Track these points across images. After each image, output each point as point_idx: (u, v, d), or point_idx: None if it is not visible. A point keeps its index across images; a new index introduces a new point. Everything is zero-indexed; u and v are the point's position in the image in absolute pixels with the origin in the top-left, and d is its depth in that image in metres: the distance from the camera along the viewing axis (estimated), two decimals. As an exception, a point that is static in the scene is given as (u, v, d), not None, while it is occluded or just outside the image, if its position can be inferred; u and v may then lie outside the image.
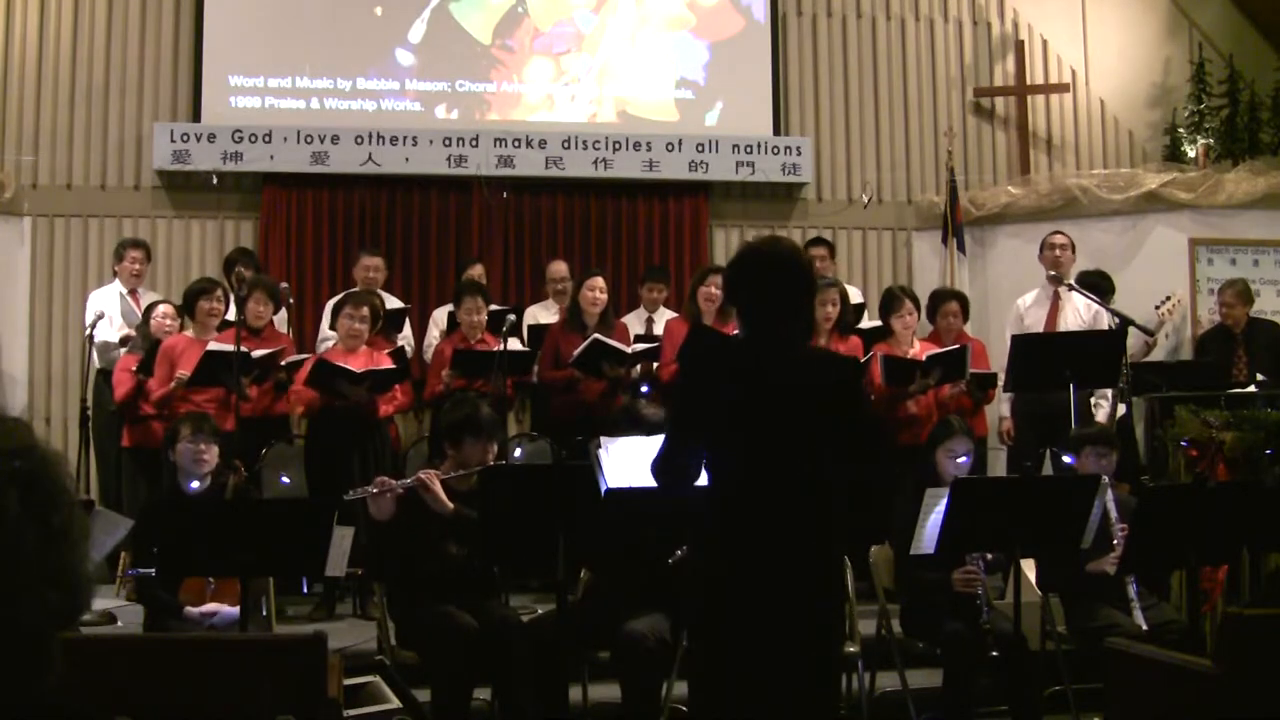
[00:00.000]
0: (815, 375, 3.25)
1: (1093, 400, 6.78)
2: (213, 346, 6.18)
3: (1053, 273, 7.01)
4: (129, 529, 4.29)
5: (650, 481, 3.28)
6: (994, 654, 4.47)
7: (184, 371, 6.14)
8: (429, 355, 7.29)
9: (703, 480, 3.23)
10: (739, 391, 3.17)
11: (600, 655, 4.58)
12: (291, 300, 7.38)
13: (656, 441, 3.34)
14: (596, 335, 6.58)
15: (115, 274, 7.43)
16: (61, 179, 8.41)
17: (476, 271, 7.64)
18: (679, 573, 4.01)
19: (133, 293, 7.30)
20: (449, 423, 4.70)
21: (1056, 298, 7.09)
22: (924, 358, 6.46)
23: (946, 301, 6.98)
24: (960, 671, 4.50)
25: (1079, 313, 7.03)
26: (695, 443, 3.20)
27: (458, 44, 8.81)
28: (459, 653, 4.27)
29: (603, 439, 4.03)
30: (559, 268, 7.73)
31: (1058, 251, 7.14)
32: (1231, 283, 7.53)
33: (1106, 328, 6.89)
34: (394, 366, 6.30)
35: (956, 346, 6.57)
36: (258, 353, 6.28)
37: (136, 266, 7.33)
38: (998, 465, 7.39)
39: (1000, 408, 6.95)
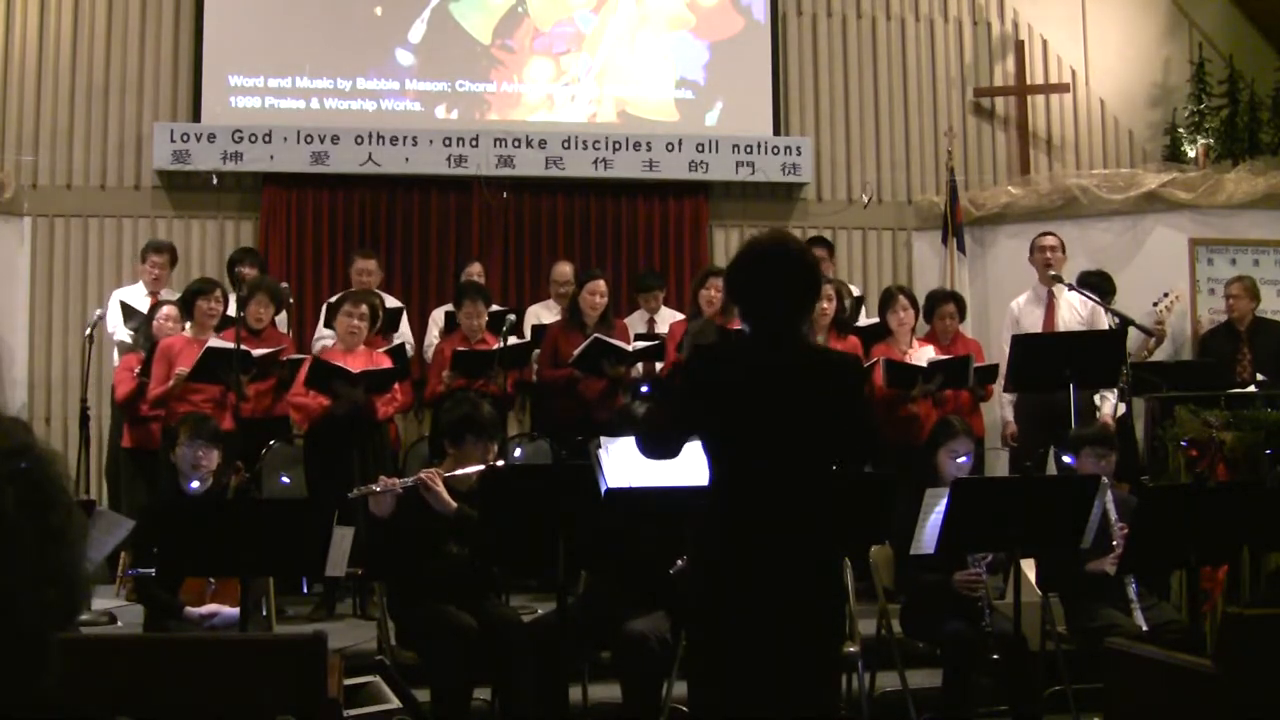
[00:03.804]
0: (816, 372, 3.24)
1: (1096, 397, 6.77)
2: (213, 343, 6.19)
3: (1053, 272, 7.00)
4: (129, 529, 4.29)
5: (648, 482, 3.29)
6: (994, 656, 4.46)
7: (183, 368, 6.14)
8: (429, 355, 7.29)
9: (703, 478, 3.24)
10: (738, 388, 3.17)
11: (600, 655, 4.58)
12: (291, 300, 7.38)
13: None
14: (597, 334, 6.57)
15: (140, 276, 7.46)
16: (61, 179, 8.40)
17: (475, 270, 7.63)
18: (679, 584, 4.02)
19: (154, 295, 7.30)
20: (450, 421, 4.70)
21: (1051, 297, 7.08)
22: (926, 363, 6.46)
23: (943, 303, 6.99)
24: (960, 671, 4.50)
25: (1075, 311, 7.03)
26: (686, 432, 3.21)
27: (458, 44, 8.81)
28: (458, 652, 4.27)
29: (603, 439, 4.03)
30: (564, 269, 7.69)
31: (1048, 253, 7.11)
32: (1239, 277, 7.54)
33: (1105, 326, 6.90)
34: (392, 366, 6.30)
35: (959, 355, 6.56)
36: (258, 351, 6.28)
37: (157, 271, 7.33)
38: (998, 465, 7.39)
39: (1004, 411, 6.93)
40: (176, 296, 7.33)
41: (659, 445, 3.26)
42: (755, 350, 3.22)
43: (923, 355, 6.66)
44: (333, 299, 7.16)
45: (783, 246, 3.27)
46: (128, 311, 7.06)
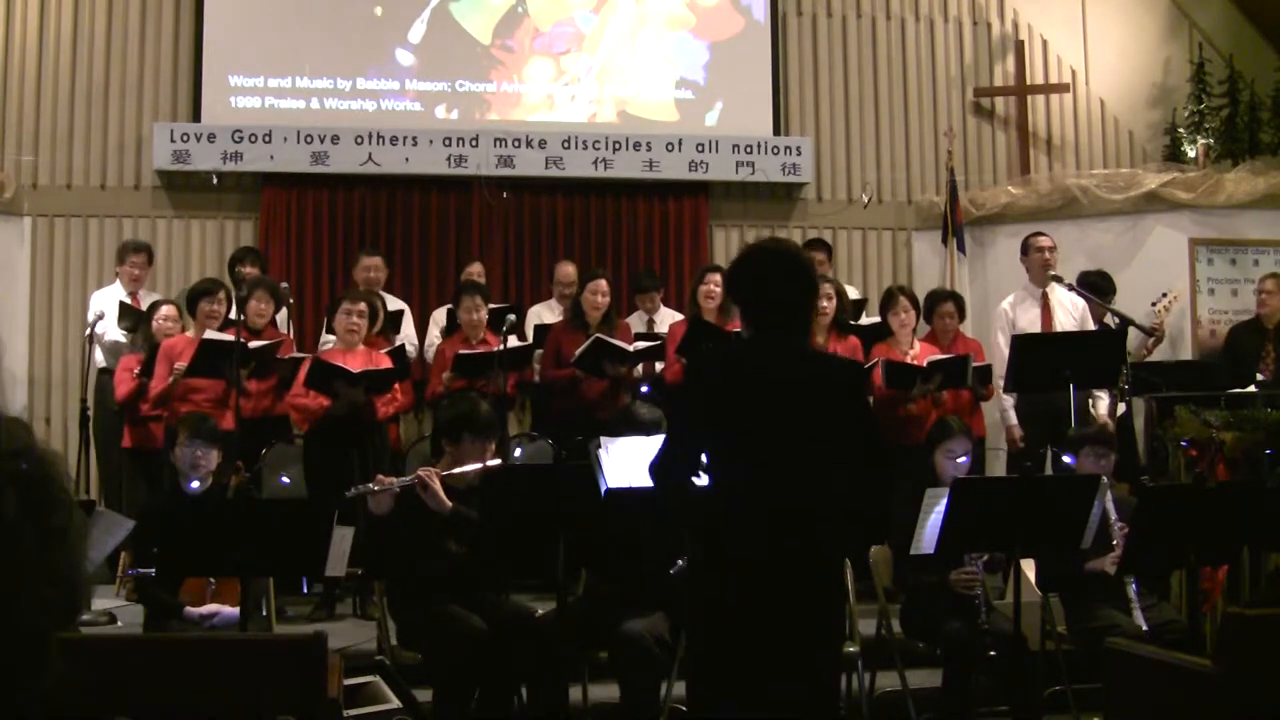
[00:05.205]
0: (819, 376, 3.27)
1: (1090, 399, 6.76)
2: (210, 335, 6.20)
3: (1052, 272, 6.99)
4: (130, 529, 4.29)
5: (648, 482, 3.29)
6: (993, 654, 4.46)
7: (181, 364, 6.14)
8: (430, 355, 7.29)
9: (704, 480, 3.24)
10: (741, 392, 3.18)
11: (600, 655, 4.58)
12: (291, 300, 7.38)
13: (655, 441, 3.35)
14: (599, 334, 6.57)
15: (117, 276, 7.46)
16: (61, 179, 8.41)
17: (475, 270, 7.64)
18: (679, 584, 4.02)
19: (133, 295, 7.31)
20: (448, 419, 4.69)
21: (1046, 298, 7.06)
22: (925, 363, 6.45)
23: (942, 302, 6.98)
24: (960, 671, 4.50)
25: (1069, 311, 7.02)
26: (697, 445, 3.21)
27: (458, 44, 8.82)
28: (468, 655, 4.25)
29: (603, 439, 4.03)
30: (568, 270, 7.67)
31: (1047, 253, 7.09)
32: (1274, 274, 7.49)
33: (1094, 326, 6.90)
34: (392, 366, 6.30)
35: (958, 355, 6.56)
36: (255, 344, 6.29)
37: (136, 271, 7.34)
38: (997, 465, 7.39)
39: (1006, 414, 6.91)
40: (153, 294, 7.37)
41: (672, 474, 3.25)
42: (756, 354, 3.26)
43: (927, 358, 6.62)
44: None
45: (781, 251, 3.33)
46: (124, 311, 7.07)
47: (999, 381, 6.65)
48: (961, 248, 8.74)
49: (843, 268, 8.89)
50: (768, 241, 3.42)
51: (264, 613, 4.83)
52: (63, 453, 6.27)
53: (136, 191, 8.50)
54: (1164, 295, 7.54)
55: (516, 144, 8.58)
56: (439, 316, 7.50)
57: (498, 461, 4.65)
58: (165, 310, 6.77)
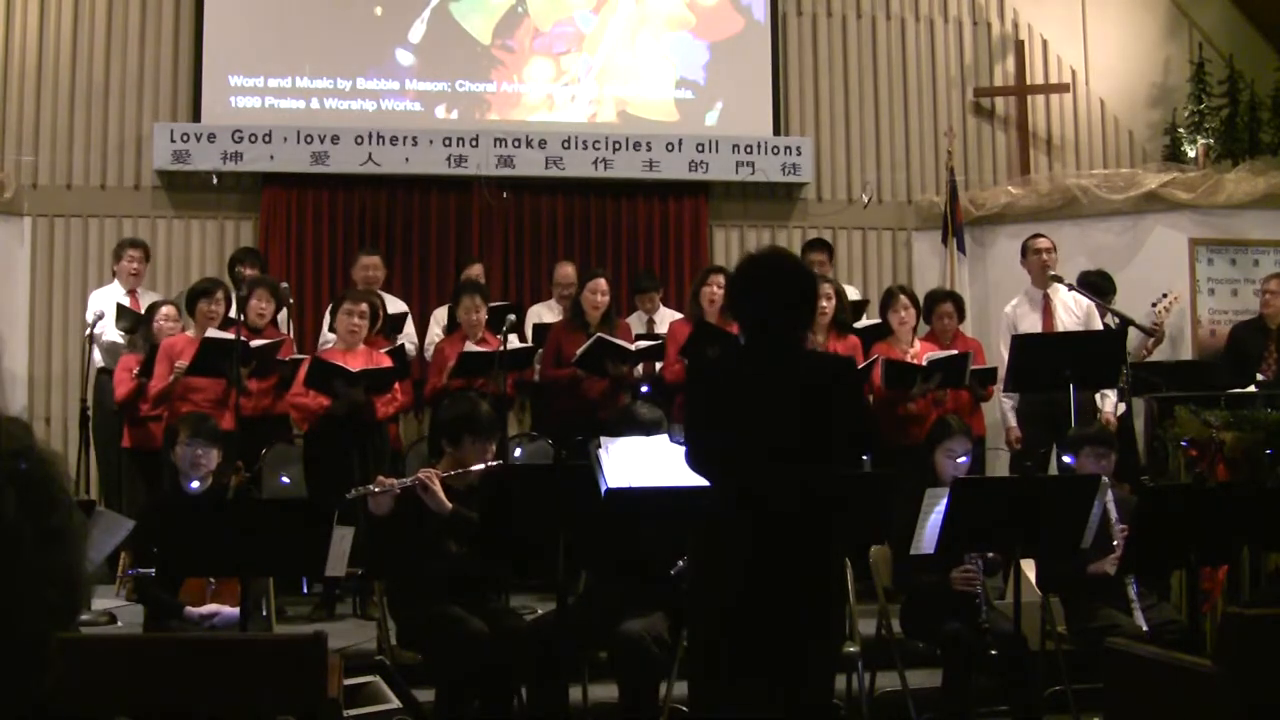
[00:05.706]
0: (814, 377, 3.29)
1: (1097, 396, 6.75)
2: (211, 333, 6.20)
3: (1052, 273, 6.99)
4: (129, 529, 4.29)
5: (648, 482, 3.30)
6: (993, 653, 4.47)
7: (182, 362, 6.15)
8: (430, 354, 7.29)
9: (704, 481, 3.25)
10: (740, 396, 3.20)
11: (600, 655, 4.58)
12: (291, 300, 7.39)
13: (655, 441, 3.37)
14: (600, 334, 6.57)
15: (115, 274, 7.46)
16: (61, 179, 8.41)
17: (475, 271, 7.64)
18: (680, 584, 4.02)
19: (131, 293, 7.31)
20: (448, 420, 4.69)
21: (1047, 299, 7.06)
22: (925, 361, 6.45)
23: (941, 302, 6.98)
24: (960, 671, 4.50)
25: (1071, 312, 7.02)
26: (717, 431, 3.23)
27: (458, 44, 8.82)
28: (468, 656, 4.24)
29: (603, 439, 4.03)
30: (567, 271, 7.65)
31: (1045, 255, 7.08)
32: (1278, 275, 7.48)
33: (1100, 325, 6.89)
34: (391, 366, 6.30)
35: (958, 353, 6.56)
36: (256, 343, 6.29)
37: (135, 266, 7.35)
38: (998, 465, 7.39)
39: (1006, 415, 6.91)
40: (152, 293, 7.36)
41: (708, 459, 3.29)
42: (754, 359, 3.30)
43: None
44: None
45: (777, 260, 3.39)
46: (121, 312, 7.07)
47: (1001, 385, 6.65)
48: (961, 248, 8.74)
49: (843, 268, 8.89)
50: (765, 251, 3.47)
51: (264, 613, 4.83)
52: (63, 453, 6.28)
53: (136, 191, 8.49)
54: (1164, 296, 7.54)
55: (516, 144, 8.57)
56: (439, 315, 7.50)
57: (498, 462, 4.65)
58: (165, 310, 6.77)
